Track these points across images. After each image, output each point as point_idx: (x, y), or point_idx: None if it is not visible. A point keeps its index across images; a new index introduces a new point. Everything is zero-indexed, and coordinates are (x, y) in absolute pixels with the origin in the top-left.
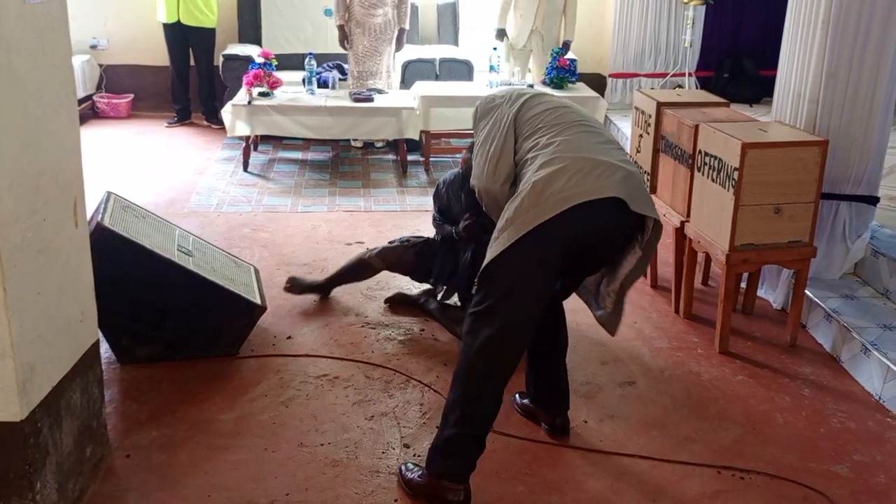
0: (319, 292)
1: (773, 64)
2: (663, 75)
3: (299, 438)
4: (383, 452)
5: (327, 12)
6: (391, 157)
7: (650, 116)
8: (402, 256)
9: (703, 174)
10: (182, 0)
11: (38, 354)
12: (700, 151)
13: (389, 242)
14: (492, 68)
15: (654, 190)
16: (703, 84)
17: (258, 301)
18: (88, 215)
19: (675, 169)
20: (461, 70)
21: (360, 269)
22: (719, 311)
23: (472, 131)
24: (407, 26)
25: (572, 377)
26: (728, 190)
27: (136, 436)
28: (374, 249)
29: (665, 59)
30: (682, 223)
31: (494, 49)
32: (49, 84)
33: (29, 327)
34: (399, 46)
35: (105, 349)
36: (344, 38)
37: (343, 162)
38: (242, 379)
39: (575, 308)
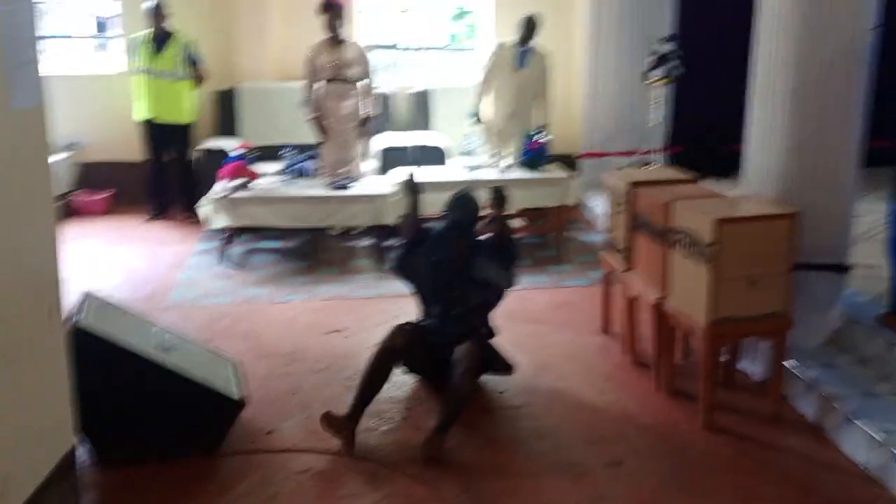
0: (357, 416)
1: (739, 139)
2: (633, 153)
3: None
4: None
5: (301, 104)
6: (368, 241)
7: (623, 196)
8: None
9: (676, 250)
10: (156, 98)
11: (11, 465)
12: (673, 228)
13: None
14: (467, 153)
15: (630, 265)
16: (676, 159)
17: (237, 396)
18: (66, 314)
19: (650, 246)
20: (435, 155)
21: (380, 367)
22: (701, 386)
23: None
24: (372, 112)
25: (558, 458)
26: (702, 264)
27: None
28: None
29: (635, 138)
30: (660, 299)
31: (467, 135)
32: (26, 190)
33: (1, 438)
34: (364, 134)
35: (83, 451)
36: (320, 130)
37: (321, 249)
38: (224, 478)
39: (558, 388)
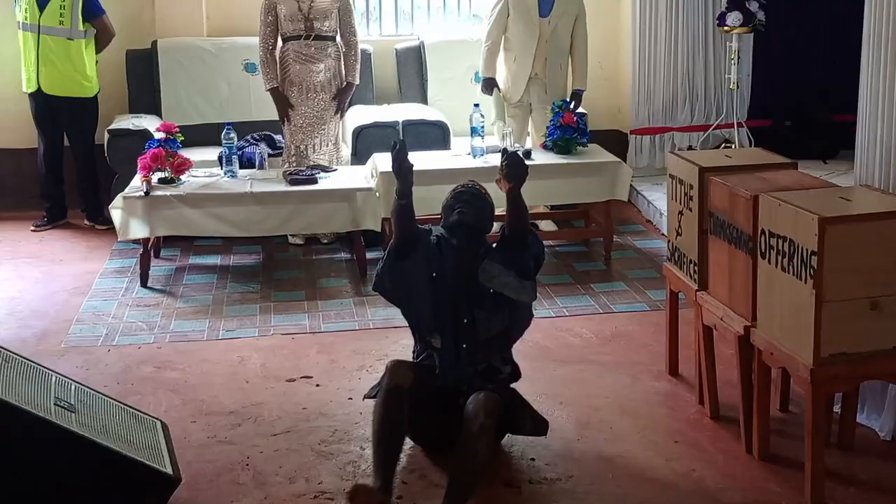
0: (389, 486)
1: (850, 106)
2: (704, 128)
3: None
4: None
5: (250, 68)
6: (343, 255)
7: (691, 187)
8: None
9: (769, 261)
10: (46, 63)
11: None
12: (763, 231)
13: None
14: (475, 131)
15: (704, 284)
16: (759, 137)
17: (168, 469)
18: None
19: (730, 256)
20: (433, 135)
21: (392, 415)
22: (808, 449)
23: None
24: (356, 80)
25: None
26: (805, 281)
27: None
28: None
29: (705, 107)
30: (747, 329)
31: (476, 106)
32: None
33: None
34: (340, 108)
35: None
36: (285, 105)
37: (278, 266)
38: None
39: (608, 454)
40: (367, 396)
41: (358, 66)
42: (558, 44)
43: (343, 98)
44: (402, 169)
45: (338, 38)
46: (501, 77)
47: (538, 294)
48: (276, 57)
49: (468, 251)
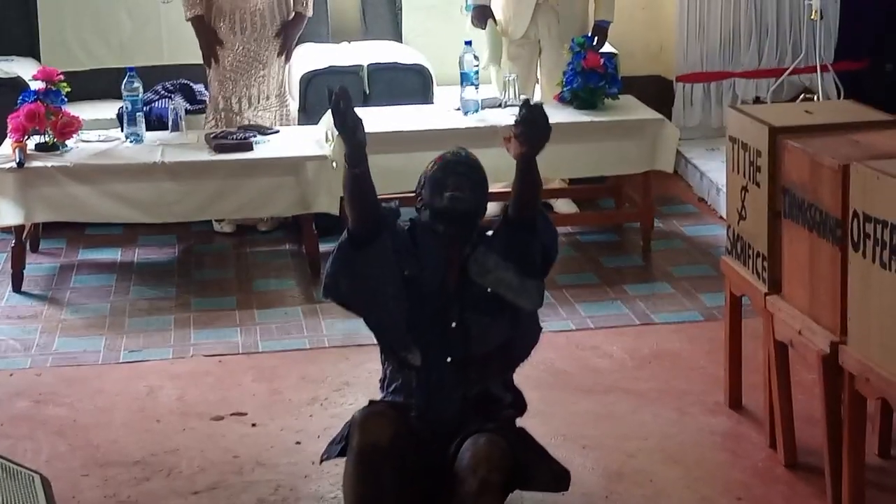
0: None
1: None
2: (778, 73)
3: None
4: None
5: None
6: (288, 247)
7: (759, 154)
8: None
9: (863, 254)
10: None
11: None
12: (856, 214)
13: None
14: (466, 78)
15: (777, 286)
16: (850, 85)
17: None
18: None
19: (812, 247)
20: (410, 83)
21: (373, 486)
22: None
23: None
24: (308, 11)
25: None
26: None
27: None
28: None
29: (777, 46)
30: (835, 346)
31: (468, 44)
32: None
33: None
34: (287, 47)
35: None
36: (212, 41)
37: (200, 263)
38: None
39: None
40: (325, 457)
41: None
42: None
43: (290, 34)
44: (347, 126)
45: None
46: (499, 4)
47: (552, 300)
48: None
49: (457, 239)
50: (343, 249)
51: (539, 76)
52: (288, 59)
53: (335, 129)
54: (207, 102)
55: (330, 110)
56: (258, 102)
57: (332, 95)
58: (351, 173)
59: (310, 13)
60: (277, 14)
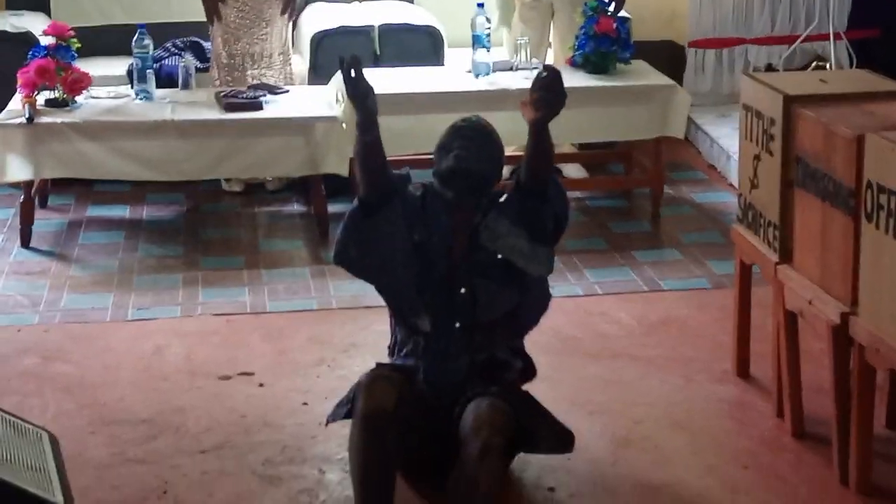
0: None
1: None
2: (790, 40)
3: None
4: None
5: None
6: (296, 207)
7: (772, 122)
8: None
9: (876, 225)
10: None
11: None
12: (870, 184)
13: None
14: (478, 40)
15: (788, 255)
16: (864, 53)
17: (57, 498)
18: None
19: (824, 217)
20: (421, 45)
21: (378, 451)
22: None
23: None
24: None
25: None
26: None
27: None
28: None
29: (791, 12)
30: (845, 317)
31: (480, 6)
32: None
33: None
34: (290, 5)
35: None
36: (215, 1)
37: (208, 222)
38: None
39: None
40: (331, 419)
41: None
42: None
43: None
44: (359, 93)
45: None
46: None
47: (561, 265)
48: None
49: (468, 205)
50: (353, 217)
51: (551, 39)
52: (291, 16)
53: (346, 95)
54: (211, 59)
55: (340, 75)
56: (261, 60)
57: (343, 63)
58: (362, 140)
59: None
60: None
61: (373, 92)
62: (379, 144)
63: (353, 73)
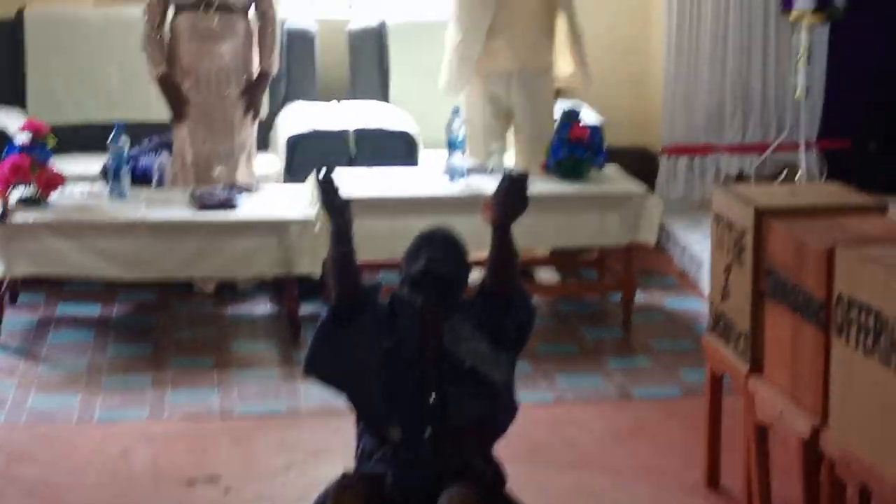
0: None
1: None
2: (762, 148)
3: None
4: None
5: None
6: (268, 308)
7: (744, 234)
8: None
9: (847, 340)
10: None
11: None
12: (840, 298)
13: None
14: (453, 144)
15: (759, 366)
16: (834, 163)
17: None
18: None
19: (795, 329)
20: (396, 147)
21: None
22: None
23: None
24: (273, 69)
25: None
26: None
27: None
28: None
29: (762, 121)
30: (816, 430)
31: (457, 111)
32: None
33: None
34: (253, 105)
35: None
36: (180, 100)
37: (179, 321)
38: None
39: None
40: None
41: (277, 49)
42: (542, 17)
43: (255, 94)
44: (335, 206)
45: (251, 11)
46: (481, 67)
47: (532, 371)
48: (165, 35)
49: (437, 311)
50: (325, 327)
51: (514, 143)
52: (255, 116)
53: (322, 206)
54: (173, 158)
55: (317, 182)
56: (226, 160)
57: (318, 173)
58: (337, 251)
59: (274, 71)
60: (242, 72)
61: (350, 206)
62: (353, 255)
63: (330, 188)
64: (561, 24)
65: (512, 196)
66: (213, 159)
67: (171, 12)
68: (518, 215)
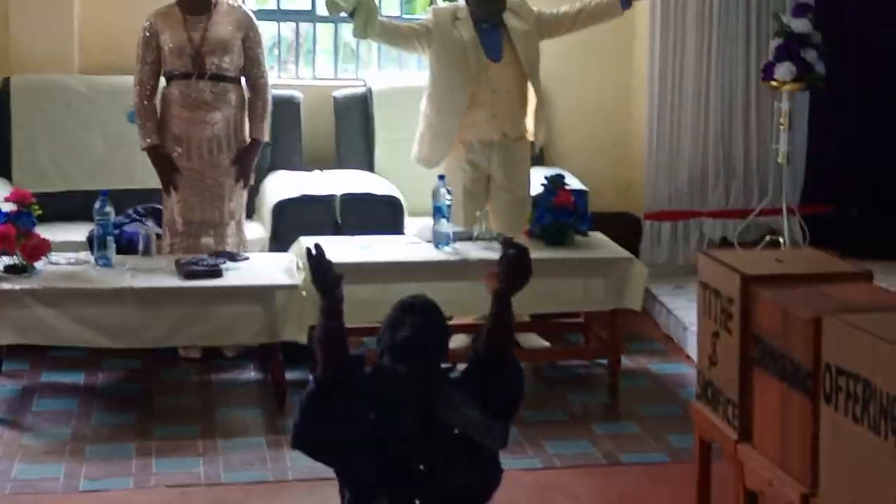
0: None
1: None
2: (744, 213)
3: None
4: None
5: (134, 117)
6: (254, 375)
7: (731, 301)
8: None
9: (835, 407)
10: None
11: None
12: (828, 367)
13: None
14: (439, 211)
15: (747, 434)
16: (816, 228)
17: None
18: None
19: (783, 397)
20: (382, 214)
21: None
22: None
23: None
24: (264, 137)
25: None
26: (885, 437)
27: None
28: None
29: (744, 187)
30: (805, 499)
31: (442, 179)
32: None
33: None
34: (244, 173)
35: None
36: (170, 170)
37: (164, 389)
38: None
39: None
40: None
41: (268, 118)
42: (515, 92)
43: (247, 161)
44: (328, 282)
45: (242, 80)
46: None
47: (520, 437)
48: (156, 104)
49: (420, 379)
50: (311, 400)
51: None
52: (246, 185)
53: (313, 283)
54: (163, 227)
55: (308, 258)
56: (217, 228)
57: (309, 252)
58: (326, 325)
59: (265, 139)
60: (234, 140)
61: (340, 281)
62: (342, 330)
63: (321, 262)
64: (531, 93)
65: (517, 267)
66: (204, 227)
67: (162, 81)
68: (522, 287)
